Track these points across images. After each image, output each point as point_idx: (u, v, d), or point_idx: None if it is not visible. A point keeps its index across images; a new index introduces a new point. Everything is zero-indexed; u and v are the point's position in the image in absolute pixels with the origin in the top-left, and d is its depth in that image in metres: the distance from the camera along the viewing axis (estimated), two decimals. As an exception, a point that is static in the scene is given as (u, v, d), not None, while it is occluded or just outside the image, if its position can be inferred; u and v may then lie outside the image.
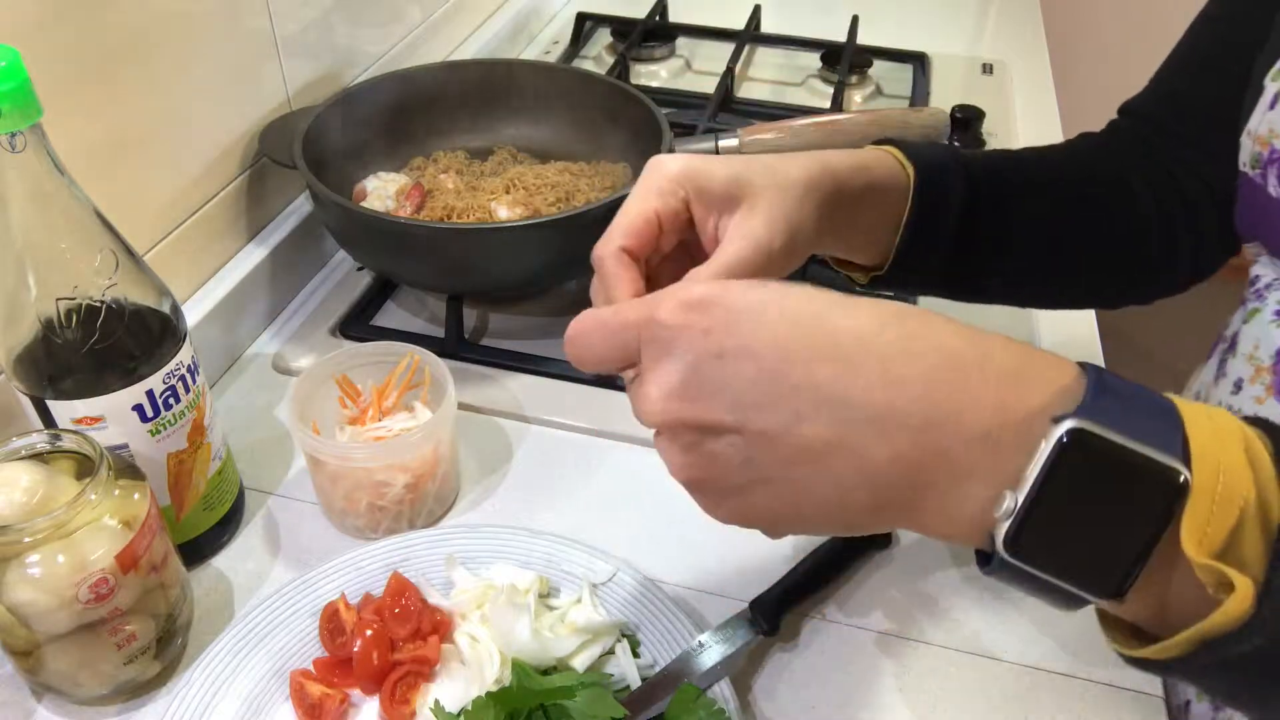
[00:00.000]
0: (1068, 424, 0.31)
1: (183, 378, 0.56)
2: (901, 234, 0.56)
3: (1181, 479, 0.31)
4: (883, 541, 0.65)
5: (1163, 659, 0.32)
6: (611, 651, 0.55)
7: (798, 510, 0.36)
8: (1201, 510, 0.30)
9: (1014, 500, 0.32)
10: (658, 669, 0.55)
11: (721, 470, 0.36)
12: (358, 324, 0.82)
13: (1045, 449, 0.32)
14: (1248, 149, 0.54)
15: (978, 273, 0.61)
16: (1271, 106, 0.52)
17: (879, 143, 0.57)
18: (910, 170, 0.55)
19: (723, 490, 0.38)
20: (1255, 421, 0.33)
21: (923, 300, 0.72)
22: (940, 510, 0.34)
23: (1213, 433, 0.32)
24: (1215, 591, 0.30)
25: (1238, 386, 0.58)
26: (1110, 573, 0.32)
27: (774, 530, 0.39)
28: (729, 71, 1.13)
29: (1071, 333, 0.81)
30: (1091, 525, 0.32)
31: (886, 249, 0.57)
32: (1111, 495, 0.31)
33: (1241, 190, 0.56)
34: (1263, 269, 0.57)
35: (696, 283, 0.38)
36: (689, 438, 0.37)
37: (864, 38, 1.23)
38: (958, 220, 0.57)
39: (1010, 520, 0.32)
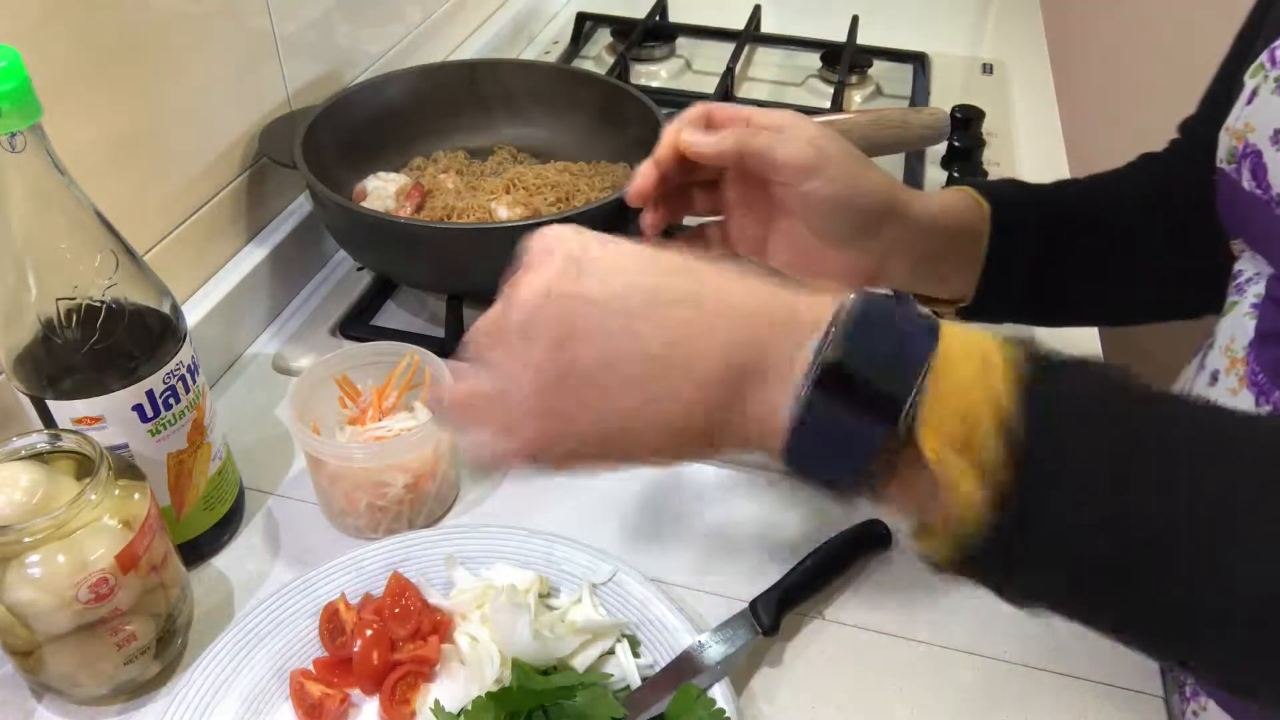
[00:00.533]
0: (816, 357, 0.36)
1: (183, 378, 0.56)
2: (981, 271, 0.60)
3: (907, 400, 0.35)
4: (883, 541, 0.65)
5: (932, 556, 0.37)
6: (611, 651, 0.55)
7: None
8: (934, 417, 0.35)
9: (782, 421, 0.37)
10: (658, 669, 0.55)
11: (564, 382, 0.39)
12: (358, 324, 0.82)
13: (803, 382, 0.37)
14: (1225, 144, 0.55)
15: (1059, 302, 0.64)
16: (1248, 102, 0.53)
17: (953, 182, 0.61)
18: (986, 207, 0.59)
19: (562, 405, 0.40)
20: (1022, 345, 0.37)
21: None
22: (731, 432, 0.39)
23: (961, 346, 0.36)
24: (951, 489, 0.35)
25: (1214, 378, 0.58)
26: (859, 474, 0.37)
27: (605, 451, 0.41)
28: (729, 71, 1.13)
29: (1066, 336, 0.81)
30: (840, 437, 0.37)
31: (967, 284, 0.61)
32: (851, 411, 0.36)
33: (1220, 186, 0.56)
34: (1244, 264, 0.57)
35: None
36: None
37: (864, 38, 1.23)
38: (1034, 255, 0.60)
39: (782, 437, 0.37)
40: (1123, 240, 0.64)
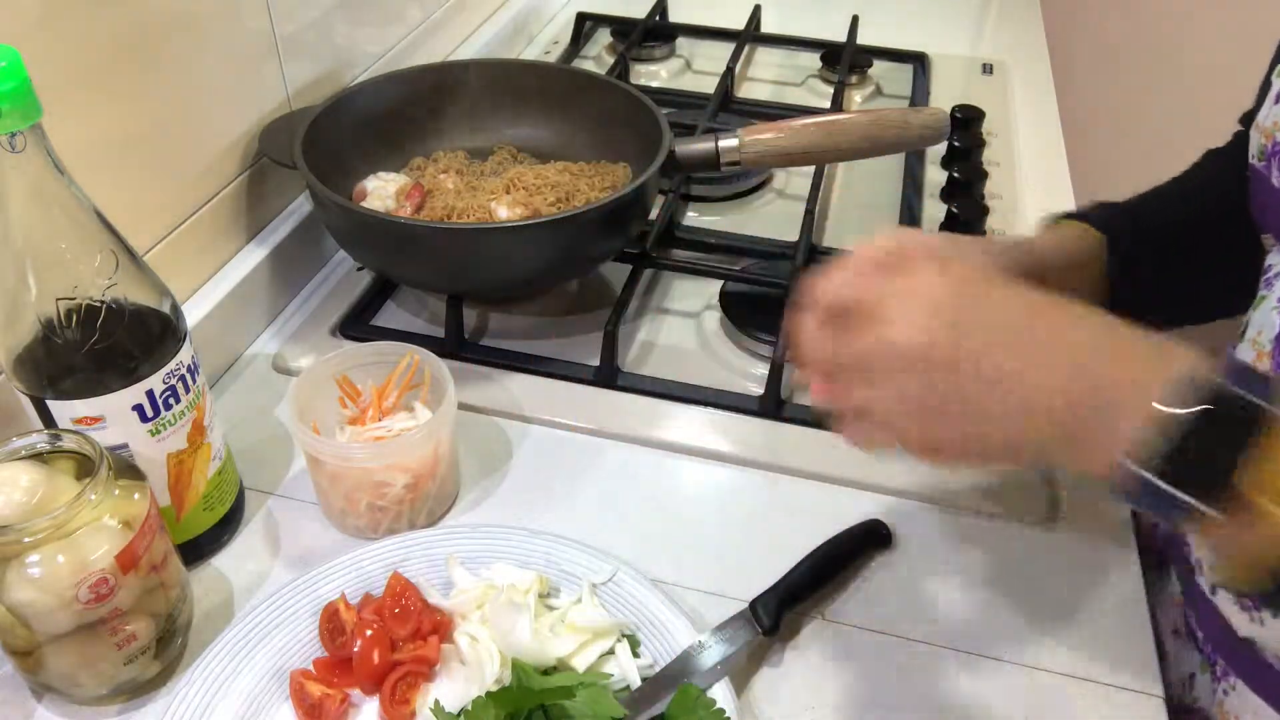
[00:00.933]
0: (1206, 379, 0.39)
1: (183, 378, 0.56)
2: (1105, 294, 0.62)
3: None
4: (883, 541, 0.65)
5: (1241, 584, 0.41)
6: (611, 651, 0.55)
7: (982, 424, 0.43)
8: (1265, 477, 0.38)
9: (1162, 439, 0.39)
10: (658, 669, 0.55)
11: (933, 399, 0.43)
12: (358, 324, 0.82)
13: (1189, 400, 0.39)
14: (1255, 142, 0.55)
15: (1172, 310, 0.65)
16: (1277, 100, 0.53)
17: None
18: (1100, 237, 0.61)
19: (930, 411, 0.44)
20: None
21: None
22: (1094, 440, 0.41)
23: None
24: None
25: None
26: (1217, 489, 0.39)
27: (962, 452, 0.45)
28: (729, 71, 1.13)
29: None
30: (1213, 453, 0.39)
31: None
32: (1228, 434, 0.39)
33: (1251, 182, 0.56)
34: (1274, 258, 0.58)
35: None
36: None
37: (864, 38, 1.23)
38: (1151, 279, 0.62)
39: (1157, 455, 0.39)
40: (1216, 246, 0.65)
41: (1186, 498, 0.39)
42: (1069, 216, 0.65)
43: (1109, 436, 0.40)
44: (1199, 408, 0.38)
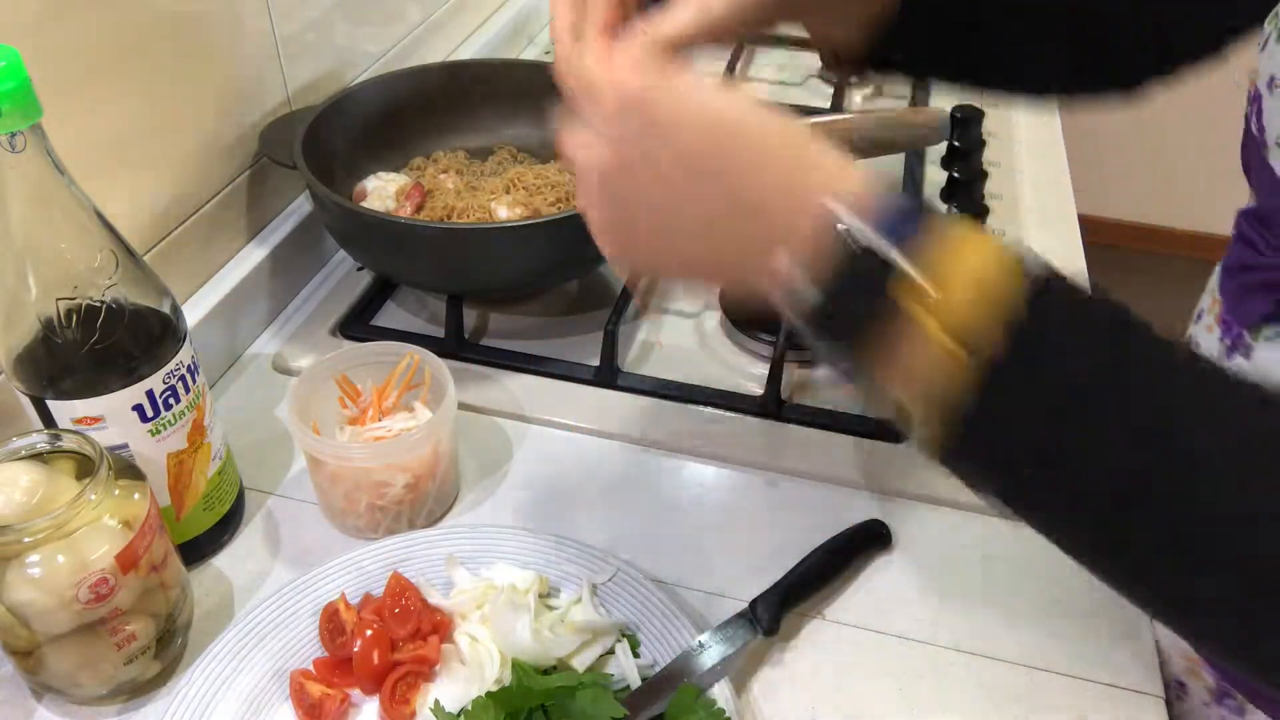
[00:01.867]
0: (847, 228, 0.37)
1: (183, 378, 0.56)
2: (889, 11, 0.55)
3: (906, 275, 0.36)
4: (883, 541, 0.65)
5: (927, 437, 0.37)
6: (611, 651, 0.55)
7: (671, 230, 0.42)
8: (934, 287, 0.35)
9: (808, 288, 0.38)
10: (658, 669, 0.55)
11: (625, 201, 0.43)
12: (358, 324, 0.82)
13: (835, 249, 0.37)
14: (1244, 89, 0.55)
15: (964, 48, 0.58)
16: (1262, 48, 0.53)
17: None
18: None
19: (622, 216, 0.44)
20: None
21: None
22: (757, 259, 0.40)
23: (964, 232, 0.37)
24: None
25: (1198, 317, 0.60)
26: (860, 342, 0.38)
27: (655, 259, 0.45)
28: (729, 71, 1.13)
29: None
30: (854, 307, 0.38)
31: (862, 28, 0.57)
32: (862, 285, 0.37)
33: (1245, 126, 0.56)
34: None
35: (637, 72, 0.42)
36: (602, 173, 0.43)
37: (864, 38, 1.23)
38: None
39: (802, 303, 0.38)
40: None
41: (832, 343, 0.39)
42: None
43: (769, 259, 0.39)
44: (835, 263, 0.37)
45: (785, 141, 0.40)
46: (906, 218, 0.37)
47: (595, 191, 0.43)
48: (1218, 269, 0.60)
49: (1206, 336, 0.60)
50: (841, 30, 0.57)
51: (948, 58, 0.59)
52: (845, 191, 0.38)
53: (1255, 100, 0.54)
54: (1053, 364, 0.35)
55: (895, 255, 0.36)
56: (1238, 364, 0.56)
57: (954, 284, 0.35)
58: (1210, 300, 0.60)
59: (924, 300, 0.35)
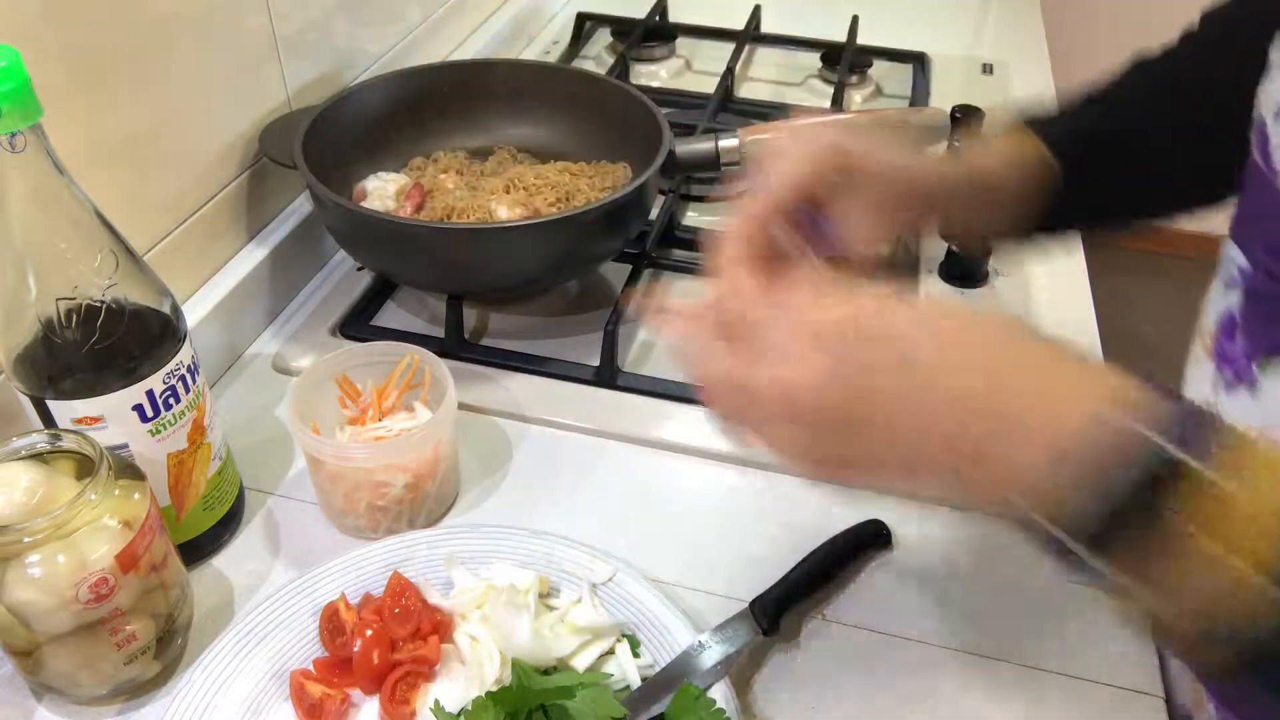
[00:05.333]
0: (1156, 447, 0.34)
1: (183, 378, 0.56)
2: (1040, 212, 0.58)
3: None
4: (883, 541, 0.65)
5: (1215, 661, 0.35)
6: (611, 651, 0.55)
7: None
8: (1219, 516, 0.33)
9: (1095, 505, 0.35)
10: (658, 669, 0.55)
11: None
12: (358, 324, 0.82)
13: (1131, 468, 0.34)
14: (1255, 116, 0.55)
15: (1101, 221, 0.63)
16: (1268, 77, 0.53)
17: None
18: (1055, 165, 0.57)
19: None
20: None
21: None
22: (987, 471, 0.38)
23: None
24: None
25: (1196, 358, 0.60)
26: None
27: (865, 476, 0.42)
28: (729, 71, 1.13)
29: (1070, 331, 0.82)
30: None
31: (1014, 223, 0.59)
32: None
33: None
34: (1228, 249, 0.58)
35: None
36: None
37: (864, 38, 1.23)
38: (1098, 197, 0.60)
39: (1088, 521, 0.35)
40: (1159, 157, 0.61)
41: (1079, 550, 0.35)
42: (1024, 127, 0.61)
43: (1003, 468, 0.37)
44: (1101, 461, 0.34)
45: (1039, 346, 0.39)
46: (1198, 423, 0.34)
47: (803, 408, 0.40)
48: (1210, 299, 0.59)
49: (1195, 369, 0.59)
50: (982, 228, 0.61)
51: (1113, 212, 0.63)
52: (1123, 393, 0.35)
53: (1260, 129, 0.53)
54: None
55: (1194, 463, 0.33)
56: (1239, 399, 0.54)
57: (1261, 507, 0.32)
58: (1202, 331, 0.59)
59: (1226, 522, 0.32)
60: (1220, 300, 0.58)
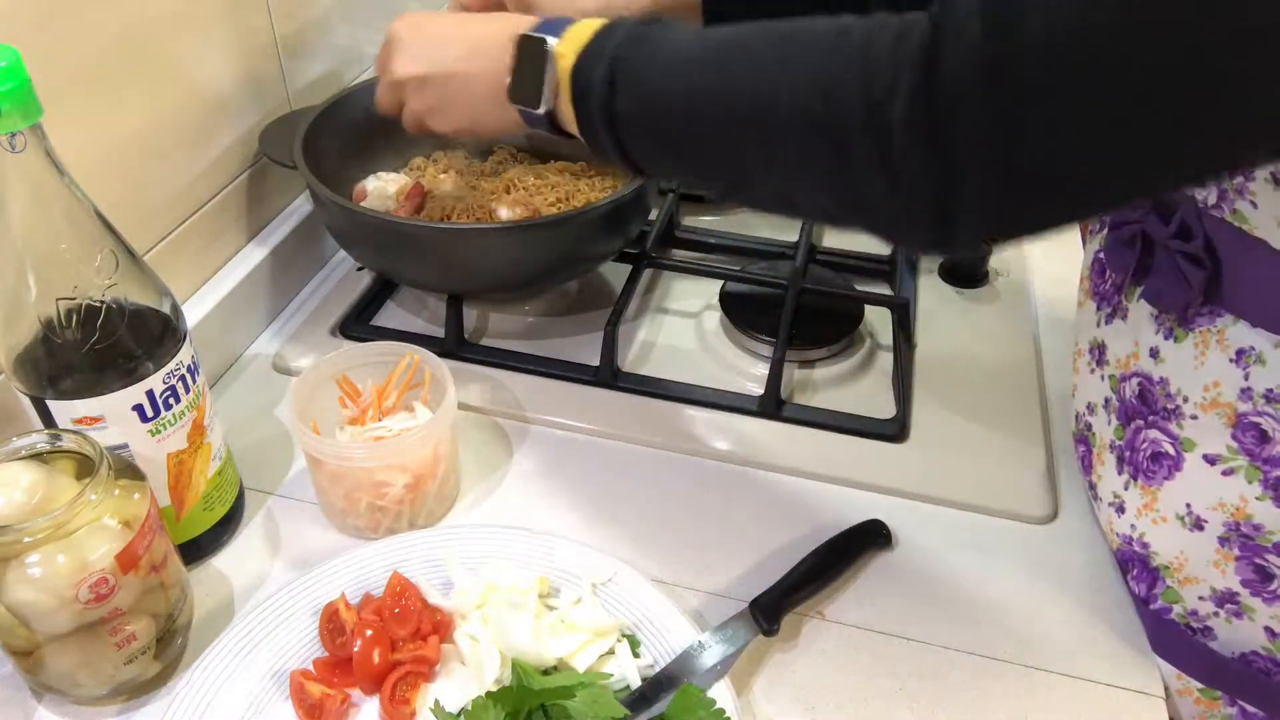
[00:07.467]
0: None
1: (183, 378, 0.56)
2: None
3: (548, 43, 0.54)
4: (883, 541, 0.65)
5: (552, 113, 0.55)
6: (611, 651, 0.55)
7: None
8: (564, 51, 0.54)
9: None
10: (658, 669, 0.55)
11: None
12: (358, 324, 0.82)
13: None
14: None
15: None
16: None
17: None
18: None
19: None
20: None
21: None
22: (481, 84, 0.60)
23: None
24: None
25: (1081, 303, 0.65)
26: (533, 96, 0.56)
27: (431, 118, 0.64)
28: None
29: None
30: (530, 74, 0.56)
31: None
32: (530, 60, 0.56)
33: None
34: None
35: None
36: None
37: (864, 38, 1.23)
38: None
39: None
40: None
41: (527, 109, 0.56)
42: None
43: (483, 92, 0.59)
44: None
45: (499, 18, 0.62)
46: (561, 23, 0.54)
47: (397, 53, 0.63)
48: (1087, 248, 0.65)
49: (1083, 314, 0.64)
50: None
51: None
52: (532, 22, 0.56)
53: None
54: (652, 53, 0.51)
55: (550, 37, 0.54)
56: (1116, 327, 0.60)
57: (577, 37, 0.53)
58: (1080, 280, 0.65)
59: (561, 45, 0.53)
60: (1093, 245, 0.64)
